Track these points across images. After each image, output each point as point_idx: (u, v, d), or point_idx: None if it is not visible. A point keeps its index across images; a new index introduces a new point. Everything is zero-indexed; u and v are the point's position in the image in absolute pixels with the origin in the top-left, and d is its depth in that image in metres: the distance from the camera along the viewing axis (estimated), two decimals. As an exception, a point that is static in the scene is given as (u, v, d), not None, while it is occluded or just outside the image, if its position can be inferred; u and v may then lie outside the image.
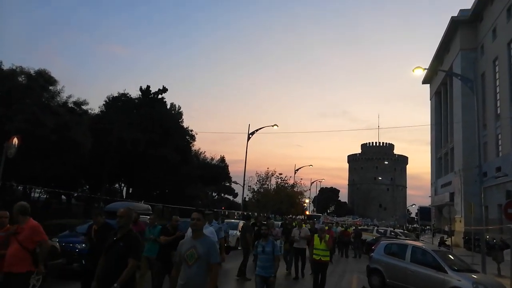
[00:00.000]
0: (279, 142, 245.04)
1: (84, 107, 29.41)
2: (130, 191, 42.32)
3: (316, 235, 9.59)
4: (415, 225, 61.87)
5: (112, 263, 4.18)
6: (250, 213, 40.15)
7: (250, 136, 31.45)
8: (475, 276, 9.66)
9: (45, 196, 38.24)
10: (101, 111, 35.65)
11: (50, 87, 25.60)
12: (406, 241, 15.23)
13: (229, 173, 58.85)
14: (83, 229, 11.08)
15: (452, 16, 42.01)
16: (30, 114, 21.37)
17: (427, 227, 52.61)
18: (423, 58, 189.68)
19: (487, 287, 9.04)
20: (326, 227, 20.55)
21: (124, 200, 32.80)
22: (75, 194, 36.69)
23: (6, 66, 23.87)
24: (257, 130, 31.76)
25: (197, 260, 3.89)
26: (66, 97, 27.42)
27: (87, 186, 38.93)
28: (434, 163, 55.06)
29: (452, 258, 10.85)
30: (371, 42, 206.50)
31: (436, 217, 49.77)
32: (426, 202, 65.65)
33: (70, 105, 27.56)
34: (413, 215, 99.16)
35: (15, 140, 10.96)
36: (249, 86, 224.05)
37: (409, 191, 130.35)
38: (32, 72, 24.60)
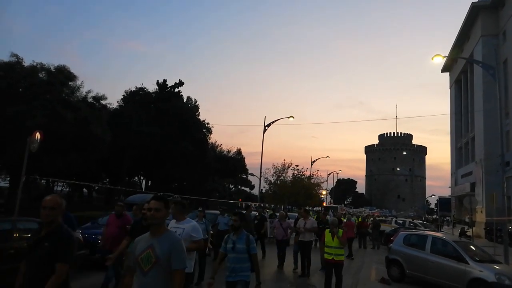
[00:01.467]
0: (295, 134, 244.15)
1: (103, 101, 29.93)
2: (149, 184, 43.03)
3: (327, 230, 8.26)
4: (434, 216, 60.96)
5: (35, 269, 3.09)
6: (266, 205, 40.30)
7: (266, 128, 31.41)
8: (497, 267, 9.49)
9: (67, 189, 39.19)
10: (119, 105, 36.20)
11: (70, 83, 26.10)
12: (426, 231, 15.06)
13: (246, 165, 59.14)
14: (105, 221, 11.41)
15: (472, 2, 40.77)
16: (51, 109, 21.88)
17: (447, 218, 51.77)
18: (442, 46, 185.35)
19: (510, 278, 8.86)
20: (344, 219, 20.33)
21: (143, 192, 33.41)
22: (96, 187, 37.54)
23: (26, 63, 24.44)
24: (273, 122, 31.66)
25: (155, 264, 2.87)
26: (86, 92, 27.95)
27: (107, 179, 39.75)
28: (454, 153, 53.93)
29: (473, 248, 10.68)
30: (387, 31, 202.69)
31: (456, 208, 48.91)
32: (446, 192, 64.64)
33: (89, 100, 28.06)
34: (432, 206, 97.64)
35: (38, 135, 11.22)
36: (264, 78, 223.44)
37: (428, 182, 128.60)
38: (52, 68, 25.13)
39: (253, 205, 46.60)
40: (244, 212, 13.21)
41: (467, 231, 27.62)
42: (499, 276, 8.84)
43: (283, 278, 10.63)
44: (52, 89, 23.82)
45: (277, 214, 17.38)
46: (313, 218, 20.69)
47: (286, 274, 11.12)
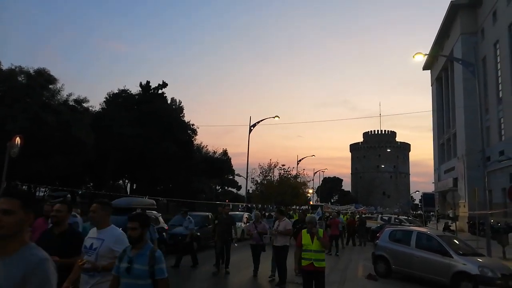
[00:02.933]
0: (281, 134, 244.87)
1: (85, 104, 29.53)
2: (134, 187, 42.54)
3: (304, 231, 6.53)
4: (419, 212, 62.00)
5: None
6: (254, 205, 40.31)
7: (252, 128, 31.42)
8: (480, 260, 9.70)
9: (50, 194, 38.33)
10: (102, 108, 35.72)
11: (50, 86, 25.67)
12: (411, 227, 15.28)
13: (232, 166, 59.09)
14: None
15: (451, 1, 41.62)
16: (32, 113, 21.45)
17: (431, 213, 52.73)
18: (423, 44, 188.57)
19: (493, 270, 9.07)
20: (329, 216, 20.29)
21: (128, 196, 33.01)
22: (80, 192, 36.91)
23: (5, 66, 23.92)
24: (258, 122, 31.70)
25: None
26: (67, 95, 27.56)
27: (91, 183, 39.15)
28: (437, 149, 54.97)
29: (457, 242, 10.88)
30: (370, 30, 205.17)
31: (439, 203, 49.84)
32: (430, 188, 65.79)
33: (71, 103, 27.64)
34: (416, 201, 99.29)
35: (18, 140, 10.97)
36: (249, 78, 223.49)
37: (412, 178, 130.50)
38: (31, 71, 24.67)
39: (240, 205, 46.60)
40: (184, 211, 12.17)
41: (450, 226, 28.16)
42: (482, 268, 9.04)
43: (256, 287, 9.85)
44: (32, 92, 23.36)
45: (272, 214, 17.22)
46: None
47: (261, 282, 10.02)
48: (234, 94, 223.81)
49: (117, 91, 38.12)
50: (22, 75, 24.32)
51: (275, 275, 9.83)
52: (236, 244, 14.48)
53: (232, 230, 10.98)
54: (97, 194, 33.53)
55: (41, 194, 37.05)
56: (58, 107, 24.44)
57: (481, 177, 18.25)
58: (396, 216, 33.01)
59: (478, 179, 25.30)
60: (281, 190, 42.13)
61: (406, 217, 31.67)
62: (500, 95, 34.23)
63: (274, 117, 31.31)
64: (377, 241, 12.47)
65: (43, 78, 24.58)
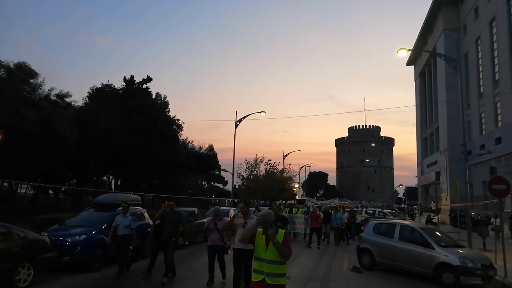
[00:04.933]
0: (267, 129, 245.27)
1: (67, 99, 28.93)
2: (119, 183, 42.05)
3: (260, 230, 4.59)
4: (402, 205, 63.02)
5: None
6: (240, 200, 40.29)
7: (238, 123, 31.37)
8: (461, 251, 9.93)
9: (32, 191, 37.65)
10: (85, 103, 35.05)
11: (31, 80, 25.05)
12: (395, 220, 15.52)
13: (218, 162, 58.75)
14: (73, 222, 11.04)
15: (434, -4, 42.16)
16: (12, 108, 20.91)
17: (414, 206, 53.74)
18: (408, 40, 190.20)
19: (473, 261, 9.31)
20: (305, 208, 19.72)
21: (112, 192, 32.64)
22: (63, 189, 36.29)
23: (-17, 60, 23.22)
24: (244, 117, 31.69)
25: None
26: (48, 89, 26.93)
27: (74, 180, 38.52)
28: (420, 143, 55.90)
29: (439, 234, 11.12)
30: (355, 25, 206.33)
31: (422, 196, 50.80)
32: (413, 182, 66.95)
33: (53, 97, 27.04)
34: (400, 195, 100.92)
35: (-2, 135, 10.70)
36: (235, 73, 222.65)
37: (396, 172, 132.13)
38: (11, 65, 24.00)
39: (226, 200, 46.50)
40: (124, 207, 9.47)
41: (433, 218, 28.71)
42: (463, 259, 9.27)
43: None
44: (12, 87, 22.75)
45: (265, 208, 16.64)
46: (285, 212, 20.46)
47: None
48: (220, 90, 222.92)
49: (100, 86, 37.44)
50: (2, 69, 23.66)
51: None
52: (185, 243, 14.13)
53: (180, 228, 9.25)
54: (80, 190, 33.07)
55: (23, 191, 36.26)
56: (39, 102, 23.85)
57: (462, 170, 18.64)
58: (380, 209, 33.47)
59: (460, 172, 25.85)
60: (267, 185, 42.27)
61: (390, 211, 32.14)
62: (481, 90, 34.94)
63: (260, 112, 31.32)
64: (361, 234, 12.64)
65: (23, 72, 23.95)
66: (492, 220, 18.19)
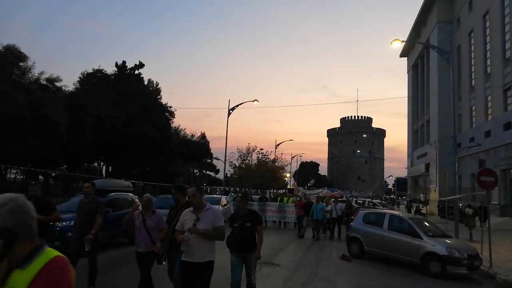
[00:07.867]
0: (260, 118, 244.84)
1: (57, 84, 28.59)
2: (110, 170, 41.85)
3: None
4: (392, 196, 63.80)
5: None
6: (232, 189, 40.39)
7: (231, 111, 31.25)
8: (448, 241, 10.13)
9: (21, 176, 37.32)
10: (76, 88, 34.66)
11: (21, 63, 24.64)
12: (384, 210, 15.71)
13: (210, 150, 58.79)
14: (63, 208, 10.98)
15: (429, -12, 42.05)
16: (1, 91, 20.59)
17: (404, 197, 54.43)
18: (402, 32, 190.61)
19: (460, 251, 9.50)
20: (296, 198, 19.60)
21: (103, 178, 32.49)
22: (53, 174, 36.01)
23: (-29, 42, 22.75)
24: (237, 106, 31.54)
25: None
26: (38, 73, 26.59)
27: (65, 166, 38.25)
28: (411, 135, 56.31)
29: (427, 225, 11.31)
30: (351, 16, 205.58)
31: (412, 187, 51.40)
32: (403, 173, 67.54)
33: (43, 82, 26.69)
34: (390, 186, 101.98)
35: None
36: (229, 61, 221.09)
37: (386, 163, 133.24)
38: (0, 47, 23.55)
39: (218, 189, 46.54)
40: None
41: (421, 209, 29.14)
42: (450, 249, 9.47)
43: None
44: (1, 70, 22.37)
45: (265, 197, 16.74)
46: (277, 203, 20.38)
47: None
48: (213, 78, 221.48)
49: (91, 71, 36.98)
50: (-10, 52, 23.24)
51: None
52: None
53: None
54: (71, 176, 32.84)
55: (12, 176, 35.84)
56: (29, 86, 23.52)
57: (451, 163, 18.87)
58: (370, 199, 33.85)
59: (449, 164, 26.16)
60: (259, 174, 42.30)
61: (379, 201, 32.54)
62: (473, 84, 35.18)
63: (253, 101, 31.28)
64: (351, 223, 12.80)
65: (12, 55, 23.53)
66: (467, 210, 18.60)
